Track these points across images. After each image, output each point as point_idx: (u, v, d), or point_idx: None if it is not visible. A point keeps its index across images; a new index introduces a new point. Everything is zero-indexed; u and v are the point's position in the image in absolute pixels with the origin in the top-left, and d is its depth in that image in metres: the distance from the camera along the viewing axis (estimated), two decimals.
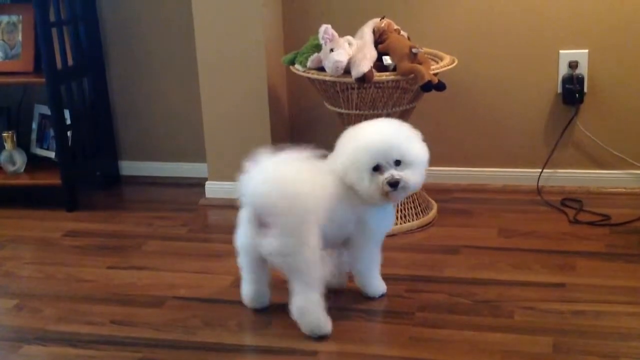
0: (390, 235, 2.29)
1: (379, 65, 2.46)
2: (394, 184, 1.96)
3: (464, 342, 1.94)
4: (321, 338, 1.98)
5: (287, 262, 1.96)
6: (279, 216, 1.90)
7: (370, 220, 2.07)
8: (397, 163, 1.98)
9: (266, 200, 1.89)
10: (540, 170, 2.90)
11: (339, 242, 2.14)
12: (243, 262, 2.09)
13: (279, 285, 2.27)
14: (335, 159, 2.03)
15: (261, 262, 2.04)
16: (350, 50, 2.42)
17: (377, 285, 2.16)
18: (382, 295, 2.17)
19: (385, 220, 2.12)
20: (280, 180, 1.89)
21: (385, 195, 1.98)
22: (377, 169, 1.98)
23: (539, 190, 2.88)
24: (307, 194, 1.91)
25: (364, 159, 1.97)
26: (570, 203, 2.77)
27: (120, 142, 3.33)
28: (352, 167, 1.99)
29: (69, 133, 3.05)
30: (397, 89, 2.44)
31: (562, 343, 1.90)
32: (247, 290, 2.13)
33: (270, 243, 1.94)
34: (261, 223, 1.95)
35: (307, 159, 1.96)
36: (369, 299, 2.16)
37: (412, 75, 2.39)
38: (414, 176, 1.99)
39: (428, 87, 2.37)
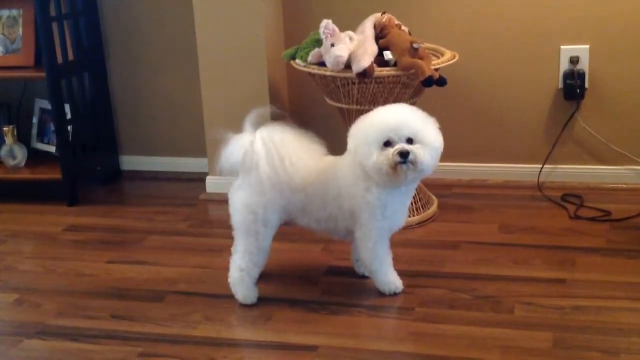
0: None
1: (379, 60, 2.45)
2: (404, 154, 1.93)
3: (464, 337, 1.94)
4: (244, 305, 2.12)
5: (234, 216, 2.10)
6: (248, 172, 2.04)
7: (364, 216, 2.05)
8: (410, 142, 1.96)
9: (244, 157, 2.02)
10: (540, 165, 2.89)
11: (339, 233, 2.16)
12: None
13: (279, 280, 2.27)
14: (349, 142, 2.05)
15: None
16: (351, 45, 2.41)
17: (385, 282, 2.15)
18: (395, 294, 2.15)
19: (385, 218, 2.06)
20: (265, 145, 2.01)
21: (394, 168, 1.94)
22: (388, 144, 1.96)
23: (539, 186, 2.88)
24: (281, 168, 2.01)
25: (374, 134, 1.97)
26: (570, 199, 2.77)
27: (121, 137, 3.33)
28: (363, 142, 1.99)
29: (69, 127, 3.05)
30: (397, 84, 2.44)
31: (562, 338, 1.91)
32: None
33: (234, 192, 2.10)
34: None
35: (304, 140, 2.06)
36: (372, 293, 2.16)
37: (413, 70, 2.38)
38: (426, 155, 1.96)
39: (429, 82, 2.37)
